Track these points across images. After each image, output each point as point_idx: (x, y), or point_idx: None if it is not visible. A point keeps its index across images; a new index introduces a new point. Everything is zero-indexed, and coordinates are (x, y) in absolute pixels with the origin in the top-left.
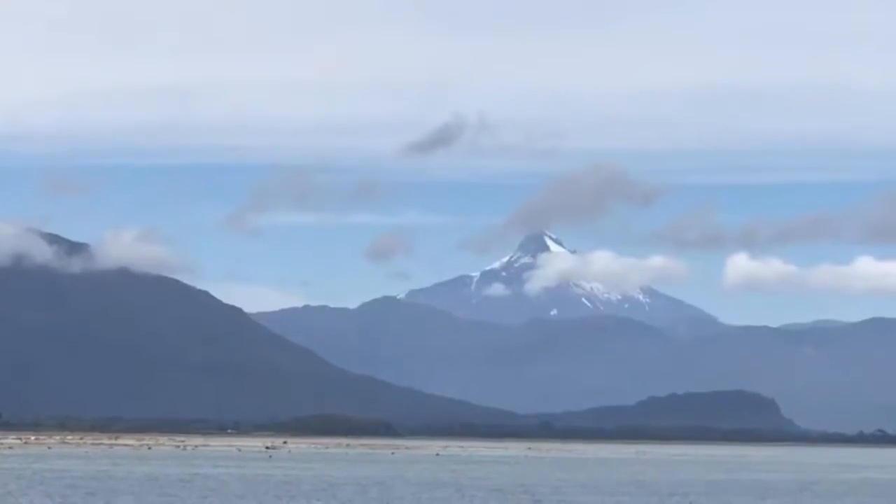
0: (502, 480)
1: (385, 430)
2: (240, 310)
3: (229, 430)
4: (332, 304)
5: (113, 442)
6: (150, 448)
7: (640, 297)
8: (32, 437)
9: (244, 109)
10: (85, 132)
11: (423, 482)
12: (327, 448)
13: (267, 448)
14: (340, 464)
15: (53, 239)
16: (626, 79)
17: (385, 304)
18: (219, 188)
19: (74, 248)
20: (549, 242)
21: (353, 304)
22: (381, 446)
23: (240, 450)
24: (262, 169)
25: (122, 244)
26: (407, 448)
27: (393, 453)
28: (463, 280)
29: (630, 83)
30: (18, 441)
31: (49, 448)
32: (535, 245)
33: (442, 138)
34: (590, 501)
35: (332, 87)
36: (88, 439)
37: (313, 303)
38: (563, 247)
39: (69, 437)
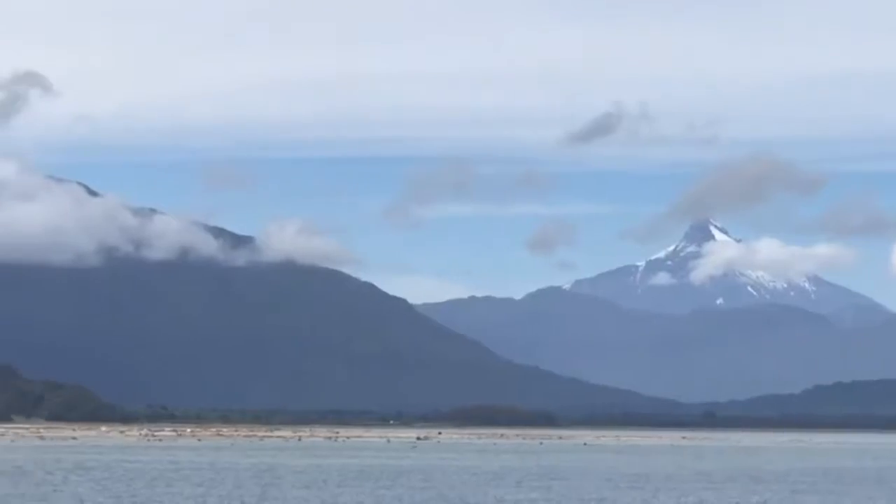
0: (612, 468)
1: (547, 420)
2: (404, 301)
3: (391, 422)
4: (496, 295)
5: (266, 434)
6: (300, 439)
7: (806, 285)
8: (188, 430)
9: (405, 101)
10: (248, 125)
11: (527, 471)
12: (479, 439)
13: (418, 439)
14: (475, 454)
15: (218, 232)
16: (785, 66)
17: (550, 295)
18: (381, 179)
19: (239, 240)
20: (715, 231)
21: (517, 294)
22: (533, 436)
23: (389, 440)
24: (424, 160)
25: (286, 236)
26: (559, 438)
27: (541, 443)
28: (627, 269)
29: (789, 71)
30: (172, 433)
31: (199, 440)
32: (701, 234)
33: (602, 128)
34: (668, 488)
35: (493, 77)
36: (244, 431)
37: (478, 293)
38: (729, 235)
39: (224, 430)
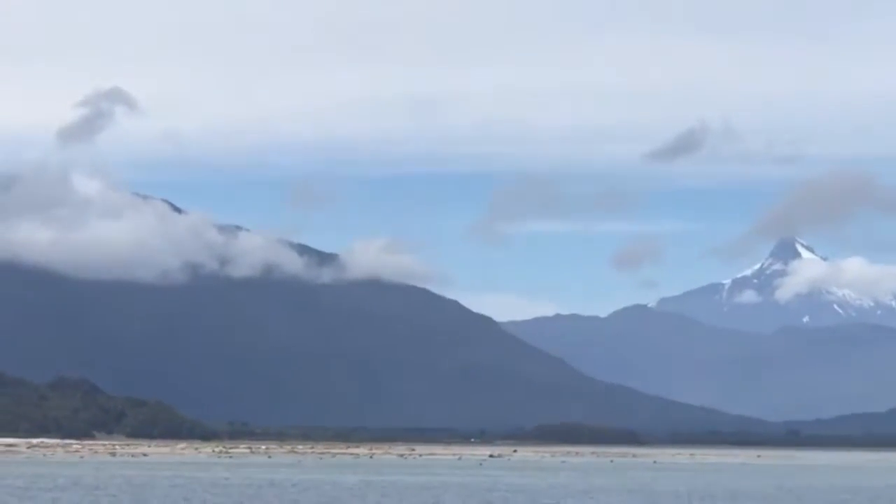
0: (670, 485)
1: (630, 438)
2: (490, 318)
3: (472, 440)
4: (582, 313)
5: (340, 451)
6: (371, 457)
7: (893, 303)
8: (262, 447)
9: (490, 117)
10: (333, 142)
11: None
12: (553, 456)
13: (490, 456)
14: (533, 472)
15: (303, 249)
16: (868, 84)
17: (636, 313)
18: (467, 196)
19: (324, 258)
20: (801, 249)
21: (603, 312)
22: (609, 454)
23: (460, 458)
24: (510, 176)
25: (370, 254)
26: (633, 456)
27: (612, 461)
28: (713, 287)
29: (872, 88)
30: (247, 451)
31: (269, 457)
32: (787, 252)
33: (687, 144)
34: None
35: (577, 94)
36: (320, 448)
37: (563, 311)
38: (815, 253)
39: (300, 447)
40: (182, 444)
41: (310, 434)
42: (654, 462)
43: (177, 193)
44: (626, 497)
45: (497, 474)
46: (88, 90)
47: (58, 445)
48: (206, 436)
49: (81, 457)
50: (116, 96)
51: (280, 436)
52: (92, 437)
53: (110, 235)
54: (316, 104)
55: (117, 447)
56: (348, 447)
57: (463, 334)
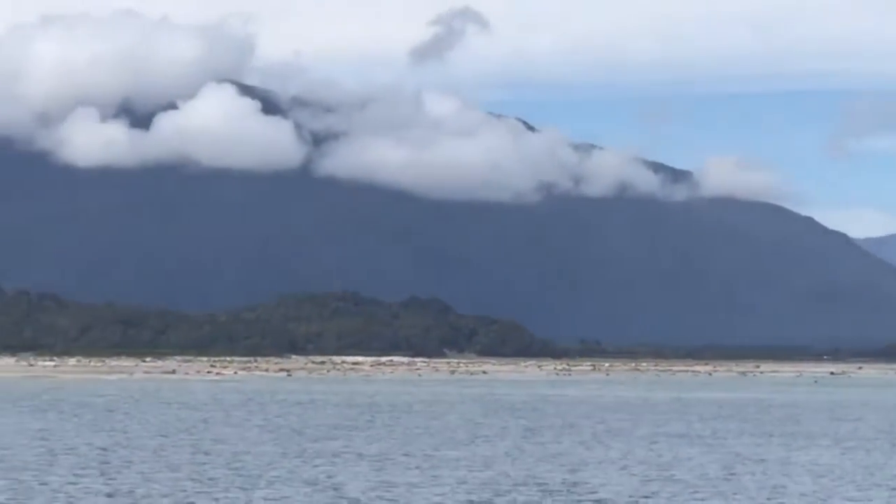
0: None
1: None
2: (844, 235)
3: (825, 358)
4: None
5: (682, 369)
6: (710, 374)
7: None
8: (605, 365)
9: (843, 31)
10: (687, 60)
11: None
12: None
13: (831, 374)
14: (863, 389)
15: (657, 167)
16: None
17: None
18: (821, 113)
19: (678, 175)
20: None
21: None
22: None
23: (799, 375)
24: (864, 92)
25: (724, 171)
26: None
27: None
28: None
29: None
30: (589, 368)
31: (606, 374)
32: None
33: None
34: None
35: None
36: (663, 366)
37: None
38: None
39: (643, 365)
40: (527, 362)
41: (661, 352)
42: None
43: (530, 112)
44: None
45: (826, 391)
46: (440, 9)
47: (402, 364)
48: (557, 354)
49: (419, 375)
50: (467, 15)
51: (631, 354)
52: (443, 355)
53: (463, 155)
54: (670, 20)
55: (461, 365)
56: (691, 365)
57: (818, 251)
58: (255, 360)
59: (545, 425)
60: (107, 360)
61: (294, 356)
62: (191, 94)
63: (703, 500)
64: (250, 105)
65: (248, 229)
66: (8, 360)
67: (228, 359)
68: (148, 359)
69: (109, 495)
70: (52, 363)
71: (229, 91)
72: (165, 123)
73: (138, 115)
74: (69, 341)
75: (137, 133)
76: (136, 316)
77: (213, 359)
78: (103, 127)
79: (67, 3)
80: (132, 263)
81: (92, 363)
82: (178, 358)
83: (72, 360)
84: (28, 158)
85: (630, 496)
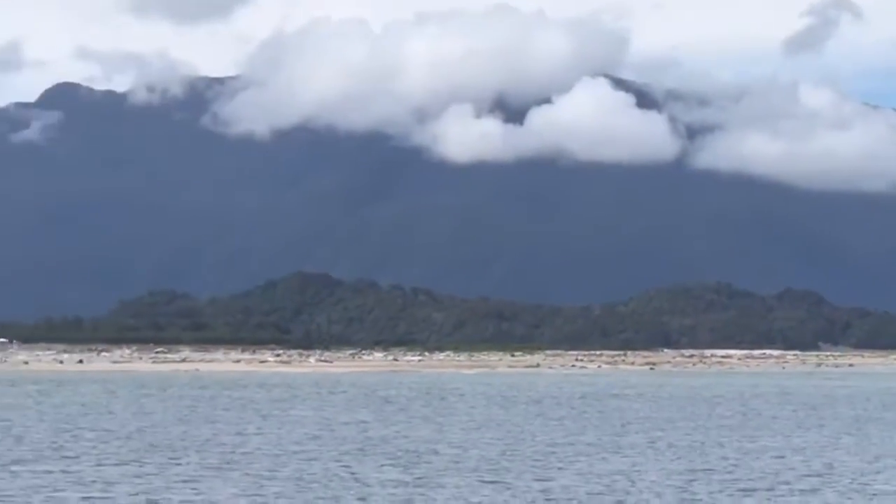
0: None
1: None
2: None
3: None
4: None
5: None
6: None
7: None
8: None
9: None
10: None
11: None
12: None
13: None
14: None
15: None
16: None
17: None
18: None
19: None
20: None
21: None
22: None
23: None
24: None
25: None
26: None
27: None
28: None
29: None
30: None
31: None
32: None
33: None
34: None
35: None
36: None
37: None
38: None
39: None
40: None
41: None
42: None
43: None
44: None
45: None
46: (814, 0)
47: (772, 357)
48: None
49: (783, 368)
50: (840, 4)
51: None
52: (817, 348)
53: (839, 146)
54: None
55: (829, 357)
56: None
57: None
58: (625, 355)
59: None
60: (474, 355)
61: (666, 350)
62: (565, 88)
63: None
64: (625, 99)
65: (621, 222)
66: (377, 356)
67: (598, 353)
68: (517, 353)
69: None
70: (417, 358)
71: (604, 85)
72: (539, 118)
73: (512, 110)
74: (442, 336)
75: (511, 128)
76: (510, 310)
77: (580, 353)
78: (478, 122)
79: (442, 0)
80: (506, 258)
81: (458, 358)
82: (549, 353)
83: (441, 355)
84: (404, 154)
85: None
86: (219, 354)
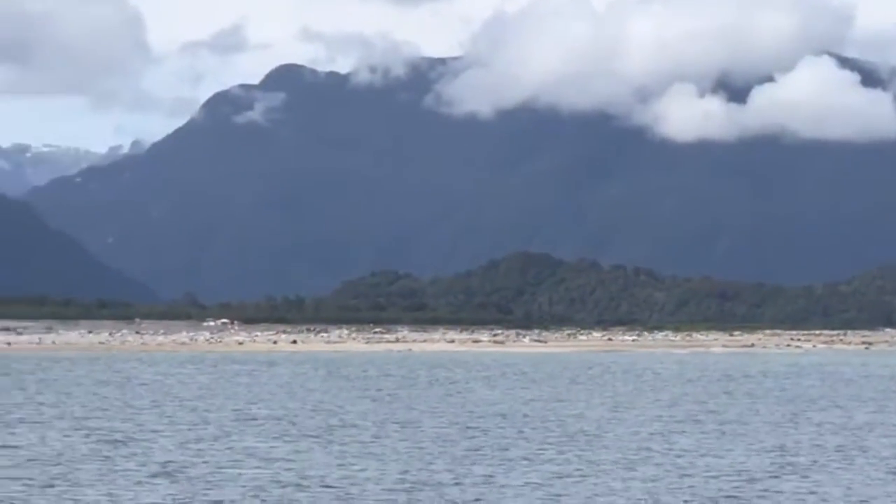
0: None
1: None
2: None
3: None
4: None
5: None
6: None
7: None
8: None
9: None
10: None
11: None
12: None
13: None
14: None
15: None
16: None
17: None
18: None
19: None
20: None
21: None
22: None
23: None
24: None
25: None
26: None
27: None
28: None
29: None
30: None
31: None
32: None
33: None
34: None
35: None
36: None
37: None
38: None
39: None
40: None
41: None
42: None
43: None
44: None
45: None
46: None
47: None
48: None
49: (866, 347)
50: None
51: None
52: None
53: None
54: None
55: None
56: None
57: None
58: (844, 334)
59: None
60: (691, 335)
61: (888, 329)
62: (788, 66)
63: None
64: (849, 77)
65: (844, 201)
66: (594, 335)
67: (817, 332)
68: (736, 333)
69: None
70: (632, 338)
71: (828, 63)
72: (762, 96)
73: (735, 89)
74: (664, 315)
75: (734, 107)
76: (732, 289)
77: (799, 333)
78: (700, 101)
79: None
80: (729, 236)
81: (674, 338)
82: (768, 332)
83: (659, 335)
84: (627, 134)
85: None
86: (436, 335)
